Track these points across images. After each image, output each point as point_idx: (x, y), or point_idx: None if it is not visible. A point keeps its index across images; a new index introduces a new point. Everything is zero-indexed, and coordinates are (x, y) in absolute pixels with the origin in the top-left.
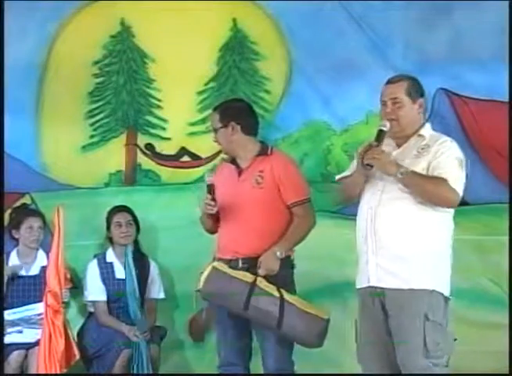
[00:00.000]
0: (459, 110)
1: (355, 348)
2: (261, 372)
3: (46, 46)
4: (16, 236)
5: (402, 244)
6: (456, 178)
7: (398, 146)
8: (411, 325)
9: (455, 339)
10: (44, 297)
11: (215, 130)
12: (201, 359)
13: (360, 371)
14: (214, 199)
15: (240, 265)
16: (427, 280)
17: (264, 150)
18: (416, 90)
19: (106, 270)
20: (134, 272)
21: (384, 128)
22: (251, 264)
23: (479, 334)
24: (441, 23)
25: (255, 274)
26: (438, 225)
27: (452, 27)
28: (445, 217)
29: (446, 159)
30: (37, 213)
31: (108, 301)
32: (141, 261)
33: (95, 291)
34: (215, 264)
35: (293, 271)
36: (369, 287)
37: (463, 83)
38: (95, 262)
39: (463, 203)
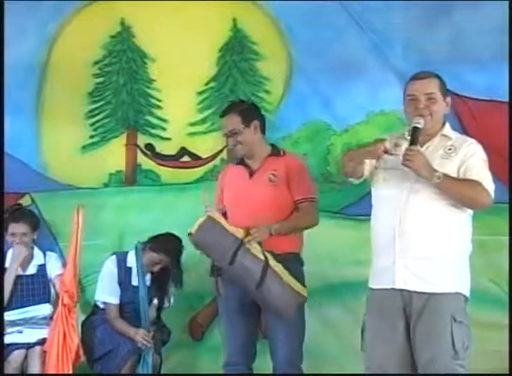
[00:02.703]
0: (459, 110)
1: (354, 346)
2: (265, 372)
3: (46, 46)
4: (7, 238)
5: (430, 246)
6: (488, 180)
7: (421, 144)
8: (439, 327)
9: None
10: (60, 296)
11: (235, 133)
12: (201, 359)
13: (360, 371)
14: None
15: None
16: (453, 283)
17: (276, 152)
18: (445, 87)
19: (124, 275)
20: (146, 278)
21: (419, 125)
22: None
23: (479, 334)
24: (441, 23)
25: (247, 233)
26: (463, 227)
27: (452, 27)
28: (468, 218)
29: (476, 160)
30: (21, 218)
31: (120, 306)
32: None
33: (110, 292)
34: (211, 213)
35: (303, 268)
36: (393, 289)
37: (463, 83)
38: (114, 261)
39: None
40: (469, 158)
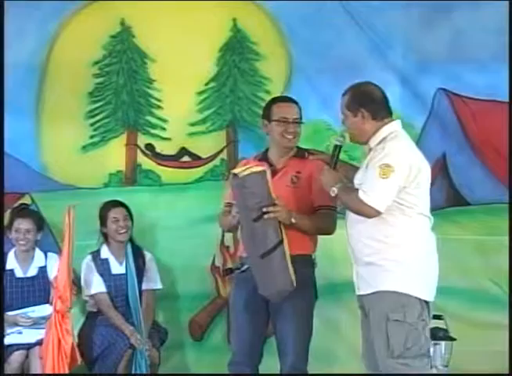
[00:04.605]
0: (459, 110)
1: (354, 346)
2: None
3: (46, 46)
4: (10, 237)
5: (369, 251)
6: (370, 188)
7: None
8: (375, 326)
9: (455, 339)
10: (53, 302)
11: (299, 123)
12: (201, 359)
13: (360, 371)
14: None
15: None
16: (388, 282)
17: (300, 154)
18: (355, 102)
19: (103, 267)
20: (134, 271)
21: (338, 143)
22: None
23: (479, 334)
24: (441, 23)
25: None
26: (403, 231)
27: (452, 26)
28: (411, 222)
29: (370, 168)
30: (28, 215)
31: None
32: (136, 254)
33: (95, 284)
34: (266, 169)
35: (314, 270)
36: (357, 295)
37: (463, 83)
38: (89, 257)
39: (464, 203)
40: (367, 166)
